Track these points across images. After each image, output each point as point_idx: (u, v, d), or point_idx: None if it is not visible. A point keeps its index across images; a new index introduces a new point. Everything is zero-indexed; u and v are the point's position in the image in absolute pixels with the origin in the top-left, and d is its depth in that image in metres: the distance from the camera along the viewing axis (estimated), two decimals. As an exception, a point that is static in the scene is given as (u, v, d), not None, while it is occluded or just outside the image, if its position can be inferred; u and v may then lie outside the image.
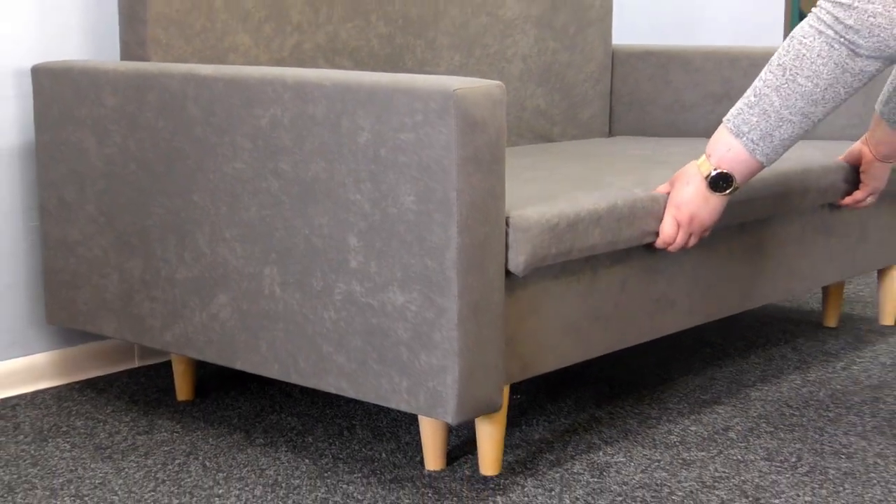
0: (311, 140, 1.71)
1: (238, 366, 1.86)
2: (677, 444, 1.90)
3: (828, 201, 2.21)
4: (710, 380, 2.24)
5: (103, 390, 2.19)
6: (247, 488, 1.73)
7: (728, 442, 1.91)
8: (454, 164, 1.57)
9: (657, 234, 1.83)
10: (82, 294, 2.06)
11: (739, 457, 1.85)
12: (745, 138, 1.75)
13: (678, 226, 1.82)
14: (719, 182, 1.78)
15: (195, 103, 1.84)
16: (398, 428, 1.98)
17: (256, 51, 2.15)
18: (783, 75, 1.72)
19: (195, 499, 1.69)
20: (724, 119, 1.78)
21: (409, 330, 1.65)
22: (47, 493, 1.72)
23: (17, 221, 2.16)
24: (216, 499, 1.69)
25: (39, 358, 2.20)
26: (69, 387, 2.21)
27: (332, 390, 1.75)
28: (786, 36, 5.04)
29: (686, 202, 1.80)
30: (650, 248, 1.88)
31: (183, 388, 2.12)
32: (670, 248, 1.84)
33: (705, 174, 1.78)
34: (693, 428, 1.98)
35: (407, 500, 1.69)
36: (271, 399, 2.13)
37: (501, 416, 1.72)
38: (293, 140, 1.73)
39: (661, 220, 1.83)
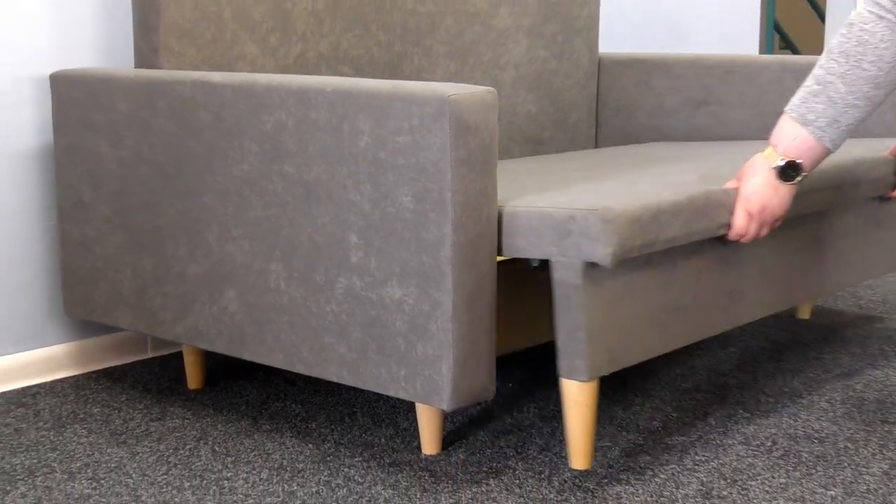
0: (314, 143, 1.71)
1: (245, 356, 1.86)
2: (660, 429, 1.90)
3: (878, 194, 2.14)
4: (690, 369, 2.24)
5: (118, 379, 2.19)
6: (254, 472, 1.73)
7: (707, 427, 1.91)
8: (449, 166, 1.57)
9: (729, 226, 1.76)
10: (98, 289, 2.06)
11: (718, 441, 1.85)
12: (811, 126, 1.69)
13: (749, 217, 1.75)
14: (788, 171, 1.72)
15: (205, 109, 1.84)
16: (396, 414, 1.98)
17: (263, 59, 2.14)
18: (846, 62, 1.66)
19: (205, 482, 1.69)
20: (787, 109, 1.72)
21: (406, 322, 1.65)
22: (66, 477, 1.72)
23: (37, 221, 2.16)
24: (225, 482, 1.69)
25: (58, 349, 2.20)
26: (86, 376, 2.21)
27: (334, 379, 1.75)
28: (760, 46, 5.03)
29: (756, 193, 1.73)
30: (722, 240, 1.81)
31: (193, 378, 2.12)
32: (743, 240, 1.78)
33: (773, 164, 1.72)
34: (675, 414, 1.98)
35: (405, 483, 1.69)
36: (276, 387, 2.13)
37: (591, 409, 1.64)
38: (297, 143, 1.73)
39: (732, 212, 1.76)
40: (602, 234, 1.55)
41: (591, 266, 1.59)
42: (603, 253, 1.55)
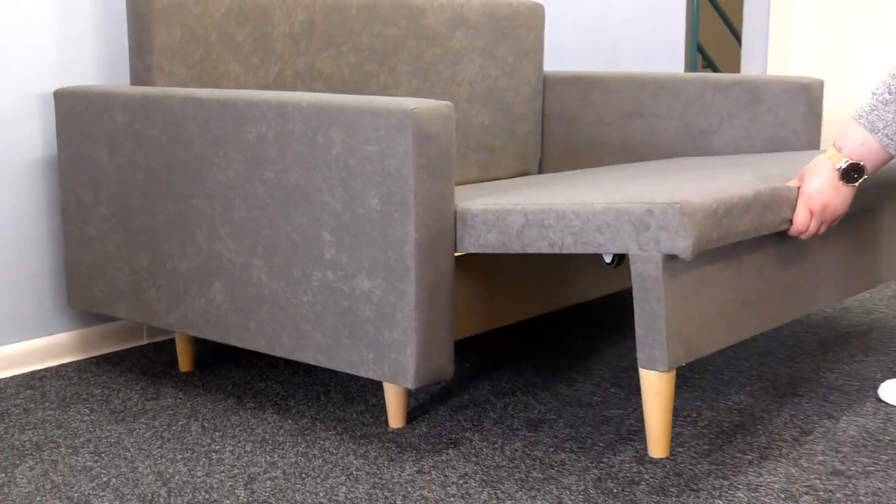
0: (292, 152, 1.70)
1: (231, 342, 1.85)
2: (599, 403, 1.91)
3: None
4: (626, 349, 2.25)
5: (117, 364, 2.17)
6: (239, 445, 1.72)
7: (640, 401, 1.92)
8: (411, 172, 1.57)
9: (790, 222, 1.69)
10: (98, 283, 2.04)
11: (650, 413, 1.86)
12: (880, 134, 1.61)
13: (811, 215, 1.67)
14: (851, 173, 1.64)
15: (194, 121, 1.83)
16: (366, 393, 1.98)
17: (245, 77, 2.13)
18: None
19: (196, 454, 1.68)
20: (856, 115, 1.64)
21: (374, 311, 1.64)
22: (70, 451, 1.70)
23: (43, 222, 2.14)
24: (213, 454, 1.68)
25: (63, 337, 2.18)
26: (88, 361, 2.19)
27: (311, 362, 1.75)
28: (685, 65, 5.05)
29: (818, 192, 1.66)
30: (782, 235, 1.74)
31: (185, 362, 2.11)
32: (803, 236, 1.71)
33: (837, 165, 1.64)
34: (612, 390, 1.98)
35: (374, 453, 1.68)
36: (259, 370, 2.12)
37: (669, 398, 1.56)
38: (276, 152, 1.72)
39: (794, 209, 1.68)
40: (681, 227, 1.47)
41: (670, 259, 1.50)
42: (683, 245, 1.47)
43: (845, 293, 1.88)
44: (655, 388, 1.53)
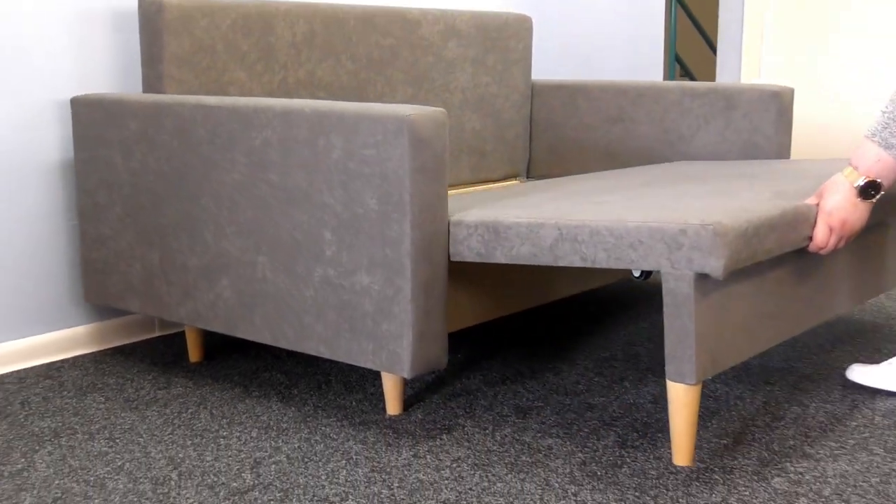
0: (295, 156, 1.70)
1: (238, 334, 1.85)
2: (583, 391, 1.91)
3: None
4: (608, 341, 2.25)
5: (130, 355, 2.16)
6: (245, 431, 1.72)
7: (623, 389, 1.92)
8: (407, 174, 1.57)
9: (810, 238, 1.65)
10: (112, 278, 2.04)
11: (632, 400, 1.86)
12: (894, 150, 1.58)
13: (830, 231, 1.64)
14: (868, 190, 1.61)
15: (202, 127, 1.82)
16: (365, 382, 1.97)
17: (250, 84, 2.12)
18: None
19: (205, 440, 1.68)
20: (868, 134, 1.60)
21: (373, 305, 1.64)
22: (86, 437, 1.69)
23: (60, 221, 2.13)
24: (221, 439, 1.68)
25: (79, 329, 2.18)
26: (103, 352, 2.18)
27: (313, 353, 1.74)
28: (664, 73, 5.05)
29: (837, 209, 1.62)
30: (801, 252, 1.69)
31: (194, 353, 2.10)
32: (823, 252, 1.67)
33: (855, 183, 1.61)
34: (596, 379, 1.98)
35: (372, 439, 1.68)
36: (264, 360, 2.12)
37: (695, 410, 1.51)
38: (280, 156, 1.72)
39: (813, 226, 1.64)
40: (714, 247, 1.42)
41: (700, 277, 1.46)
42: (715, 265, 1.42)
43: (855, 301, 1.85)
44: (683, 400, 1.49)
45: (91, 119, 2.01)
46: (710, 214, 1.47)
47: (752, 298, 1.58)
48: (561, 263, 1.54)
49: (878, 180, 1.61)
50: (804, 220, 1.60)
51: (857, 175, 1.62)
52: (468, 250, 1.63)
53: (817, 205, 1.65)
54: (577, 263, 1.53)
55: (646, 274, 1.66)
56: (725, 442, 1.66)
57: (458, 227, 1.64)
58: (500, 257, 1.61)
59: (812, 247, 1.66)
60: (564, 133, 2.74)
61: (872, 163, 1.60)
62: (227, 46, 2.08)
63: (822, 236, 1.64)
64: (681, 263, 1.45)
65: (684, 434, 1.51)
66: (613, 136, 2.66)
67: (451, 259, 1.66)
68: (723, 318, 1.51)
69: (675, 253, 1.45)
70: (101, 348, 2.22)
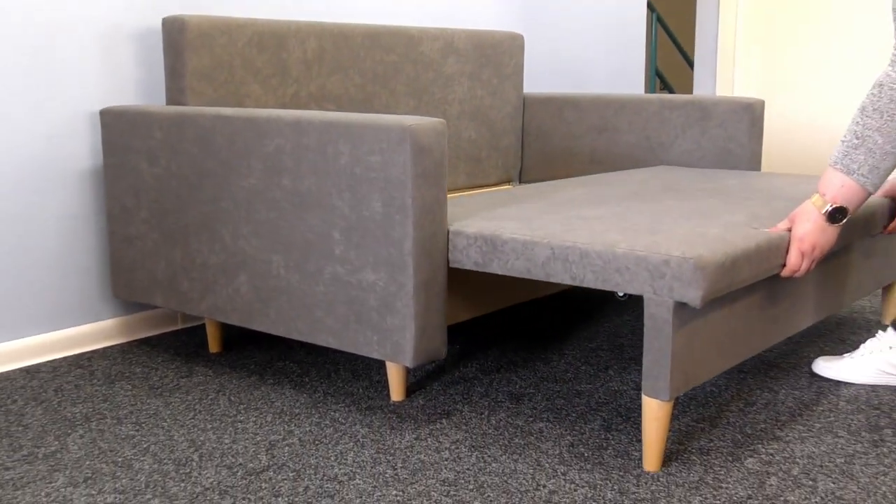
0: (306, 162, 1.70)
1: (254, 327, 1.84)
2: (572, 379, 1.91)
3: (876, 231, 1.96)
4: (594, 333, 2.24)
5: (155, 346, 2.16)
6: (261, 416, 1.71)
7: (608, 377, 1.92)
8: (409, 179, 1.57)
9: (783, 265, 1.62)
10: (139, 275, 2.03)
11: (616, 388, 1.86)
12: (855, 174, 1.56)
13: (802, 256, 1.61)
14: (836, 215, 1.59)
15: (221, 136, 1.82)
16: (371, 370, 1.97)
17: (265, 97, 2.12)
18: (881, 118, 1.54)
19: (223, 424, 1.68)
20: (831, 163, 1.59)
21: (378, 300, 1.64)
22: (115, 422, 1.69)
23: (90, 223, 2.13)
24: (238, 424, 1.68)
25: (108, 322, 2.18)
26: (130, 343, 2.18)
27: (323, 344, 1.74)
28: (645, 86, 5.05)
29: (808, 234, 1.60)
30: (772, 277, 1.66)
31: (214, 344, 2.10)
32: (796, 275, 1.65)
33: (822, 210, 1.59)
34: (583, 368, 1.98)
35: (378, 423, 1.68)
36: (278, 351, 2.12)
37: (666, 423, 1.48)
38: (293, 162, 1.72)
39: (786, 253, 1.62)
40: (695, 279, 1.41)
41: (680, 305, 1.45)
42: (694, 295, 1.41)
43: (819, 316, 1.86)
44: (656, 413, 1.48)
45: (119, 129, 2.00)
46: (693, 246, 1.46)
47: (726, 321, 1.57)
48: (552, 280, 1.55)
49: (844, 206, 1.59)
50: (777, 250, 1.59)
51: (823, 202, 1.60)
52: (467, 259, 1.64)
53: (789, 230, 1.64)
54: (567, 282, 1.54)
55: (629, 295, 1.65)
56: (702, 426, 1.66)
57: (458, 236, 1.64)
58: (496, 268, 1.61)
59: (785, 272, 1.64)
60: (554, 141, 2.73)
61: (837, 189, 1.59)
62: (244, 62, 2.08)
63: (795, 261, 1.62)
64: (663, 291, 1.44)
65: (655, 443, 1.49)
66: (599, 144, 2.66)
67: (451, 266, 1.66)
68: (697, 340, 1.50)
69: (657, 281, 1.44)
70: (128, 340, 2.21)
